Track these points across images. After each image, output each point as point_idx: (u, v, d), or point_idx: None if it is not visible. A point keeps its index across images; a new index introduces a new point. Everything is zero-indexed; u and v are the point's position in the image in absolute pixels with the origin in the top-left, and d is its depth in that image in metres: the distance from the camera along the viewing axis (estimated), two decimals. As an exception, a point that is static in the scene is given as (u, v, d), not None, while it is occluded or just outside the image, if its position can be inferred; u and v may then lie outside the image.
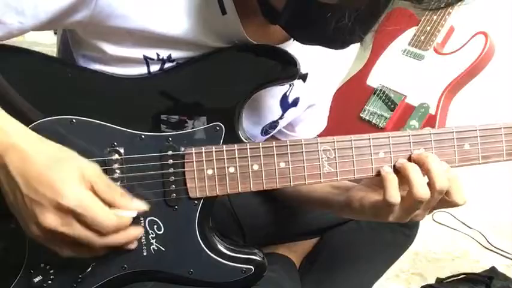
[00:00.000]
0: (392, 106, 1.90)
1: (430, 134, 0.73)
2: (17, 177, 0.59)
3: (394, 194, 0.69)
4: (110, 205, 0.63)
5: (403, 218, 0.72)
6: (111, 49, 0.71)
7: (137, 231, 0.69)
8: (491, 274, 1.40)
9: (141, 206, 0.68)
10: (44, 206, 0.59)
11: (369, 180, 0.78)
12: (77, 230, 0.61)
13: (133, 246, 0.69)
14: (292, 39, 0.77)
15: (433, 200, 0.69)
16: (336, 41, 0.62)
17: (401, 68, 1.94)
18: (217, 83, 0.73)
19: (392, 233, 1.01)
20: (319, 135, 0.96)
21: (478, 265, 1.78)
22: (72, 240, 0.62)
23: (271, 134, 0.92)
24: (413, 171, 0.69)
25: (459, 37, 1.95)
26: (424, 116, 1.83)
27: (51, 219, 0.59)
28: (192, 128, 0.73)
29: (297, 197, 0.94)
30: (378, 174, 0.72)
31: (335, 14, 0.56)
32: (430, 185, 0.69)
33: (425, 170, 0.70)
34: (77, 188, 0.60)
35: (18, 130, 0.62)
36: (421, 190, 0.68)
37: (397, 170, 0.72)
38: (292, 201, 0.98)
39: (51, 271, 0.72)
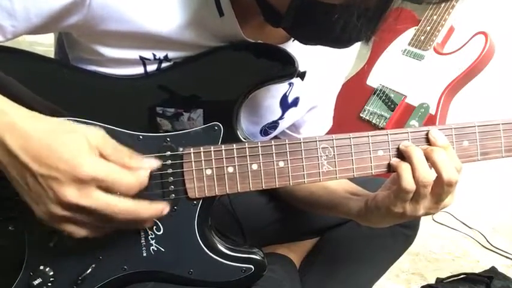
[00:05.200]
0: (392, 106, 1.90)
1: (429, 131, 0.73)
2: (23, 156, 0.58)
3: (410, 180, 0.69)
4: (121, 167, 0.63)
5: (416, 210, 0.72)
6: (106, 51, 0.70)
7: (163, 204, 0.67)
8: (491, 274, 1.39)
9: (153, 162, 0.67)
10: (61, 181, 0.58)
11: (384, 187, 0.79)
12: (99, 199, 0.60)
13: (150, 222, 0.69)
14: (291, 39, 0.76)
15: (445, 193, 0.70)
16: (341, 40, 0.61)
17: (401, 68, 1.94)
18: (215, 81, 0.73)
19: (392, 233, 1.01)
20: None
21: (478, 265, 1.78)
22: (91, 216, 0.61)
23: (271, 134, 0.92)
24: (415, 155, 0.70)
25: (459, 37, 1.95)
26: (424, 116, 1.83)
27: (71, 193, 0.58)
28: (188, 120, 0.72)
29: (312, 201, 0.93)
30: (390, 170, 0.73)
31: (341, 15, 0.56)
32: (438, 178, 0.69)
33: (431, 163, 0.70)
34: (89, 155, 0.60)
35: (15, 110, 0.61)
36: (422, 173, 0.69)
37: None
38: (307, 206, 0.98)
39: (51, 273, 0.72)
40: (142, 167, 0.65)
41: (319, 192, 0.91)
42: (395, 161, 0.72)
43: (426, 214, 0.73)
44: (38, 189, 0.59)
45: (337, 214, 0.90)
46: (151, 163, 0.67)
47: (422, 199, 0.70)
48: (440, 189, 0.70)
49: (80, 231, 0.63)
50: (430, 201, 0.71)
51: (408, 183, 0.69)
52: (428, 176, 0.69)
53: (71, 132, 0.61)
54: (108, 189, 0.60)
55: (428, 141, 0.73)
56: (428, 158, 0.70)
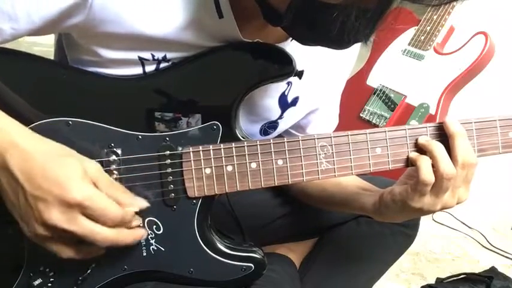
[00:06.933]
0: (392, 106, 1.90)
1: (427, 128, 0.74)
2: (19, 175, 0.59)
3: (429, 172, 0.69)
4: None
5: (434, 205, 0.72)
6: (105, 52, 0.70)
7: (142, 231, 0.69)
8: (491, 274, 1.39)
9: (143, 203, 0.69)
10: (49, 202, 0.59)
11: (399, 182, 0.79)
12: (82, 225, 0.61)
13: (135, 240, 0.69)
14: (289, 39, 0.77)
15: (442, 187, 0.70)
16: (340, 41, 0.61)
17: (401, 68, 1.94)
18: (213, 82, 0.73)
19: (392, 232, 1.01)
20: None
21: (478, 265, 1.78)
22: (75, 238, 0.62)
23: (271, 134, 0.91)
24: (437, 149, 0.70)
25: (459, 37, 1.95)
26: (424, 116, 1.83)
27: (56, 216, 0.59)
28: (187, 126, 0.73)
29: (325, 197, 0.93)
30: (408, 165, 0.73)
31: (340, 14, 0.56)
32: (435, 171, 0.70)
33: (430, 157, 0.71)
34: (81, 181, 0.61)
35: (17, 129, 0.62)
36: (446, 166, 0.69)
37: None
38: (320, 203, 0.97)
39: (51, 274, 0.72)
40: (133, 204, 0.67)
41: (332, 189, 0.91)
42: (414, 154, 0.73)
43: (442, 209, 0.73)
44: (27, 209, 0.60)
45: (351, 210, 0.90)
46: (141, 204, 0.68)
47: (444, 193, 0.71)
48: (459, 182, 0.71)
49: (65, 252, 0.64)
50: (449, 194, 0.71)
51: (427, 175, 0.69)
52: (452, 168, 0.69)
53: (69, 156, 0.63)
54: (91, 217, 0.61)
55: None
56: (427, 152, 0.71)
